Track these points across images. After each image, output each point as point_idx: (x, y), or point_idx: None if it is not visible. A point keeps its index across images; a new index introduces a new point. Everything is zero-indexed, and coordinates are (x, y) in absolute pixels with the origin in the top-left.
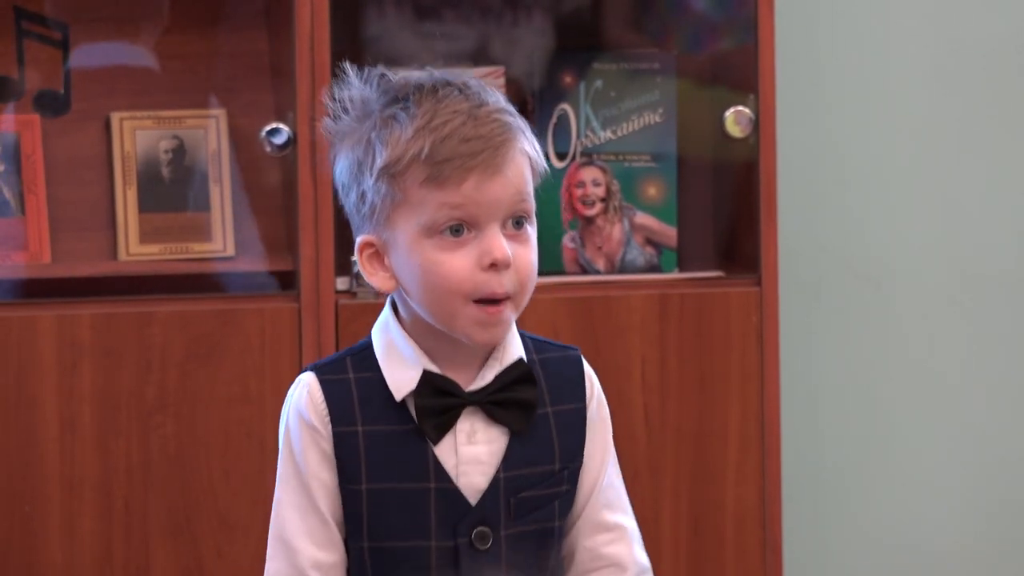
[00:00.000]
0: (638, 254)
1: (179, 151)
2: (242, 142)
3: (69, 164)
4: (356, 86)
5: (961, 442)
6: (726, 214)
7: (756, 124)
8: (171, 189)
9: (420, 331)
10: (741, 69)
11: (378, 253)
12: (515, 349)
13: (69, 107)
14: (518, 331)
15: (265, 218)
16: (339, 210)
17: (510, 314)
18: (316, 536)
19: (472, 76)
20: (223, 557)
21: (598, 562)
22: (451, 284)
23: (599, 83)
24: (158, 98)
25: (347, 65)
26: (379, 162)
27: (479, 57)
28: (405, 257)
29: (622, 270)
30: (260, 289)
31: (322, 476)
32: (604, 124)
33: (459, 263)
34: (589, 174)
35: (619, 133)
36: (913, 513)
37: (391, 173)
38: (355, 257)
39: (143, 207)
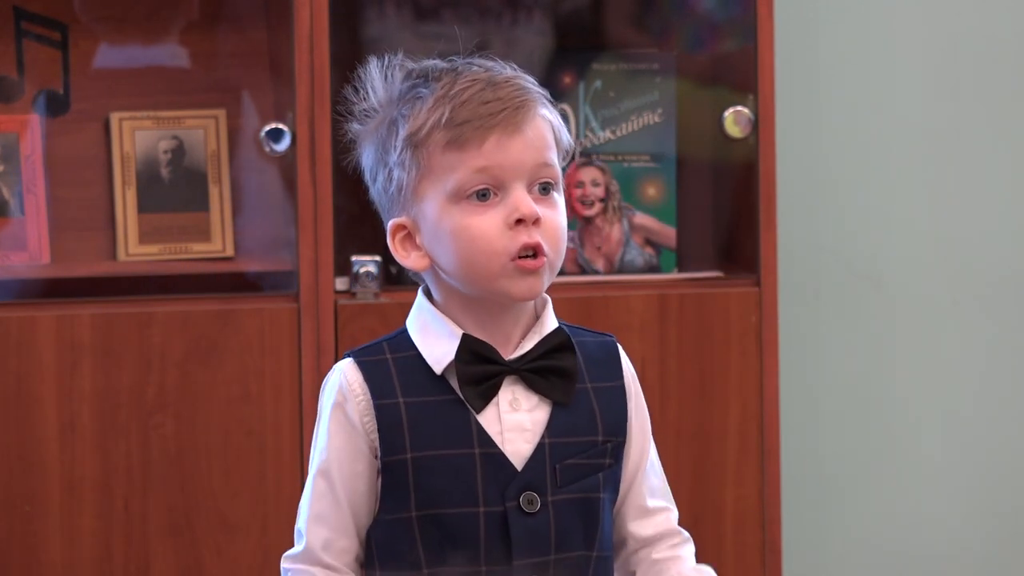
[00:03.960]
0: (637, 254)
1: (179, 151)
2: (242, 142)
3: (69, 164)
4: (378, 80)
5: (961, 442)
6: (725, 214)
7: (756, 124)
8: (171, 189)
9: (456, 308)
10: (741, 69)
11: (409, 235)
12: (552, 322)
13: (69, 107)
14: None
15: (265, 218)
16: (339, 210)
17: (545, 269)
18: (332, 520)
19: (499, 63)
20: (223, 557)
21: (645, 544)
22: (482, 244)
23: (599, 83)
24: (158, 98)
25: (371, 65)
26: (402, 133)
27: (479, 57)
28: (435, 227)
29: (621, 270)
30: (260, 289)
31: (343, 463)
32: (603, 124)
33: (488, 223)
34: (588, 174)
35: (618, 133)
36: (912, 513)
37: (414, 143)
38: (388, 241)
39: (143, 207)
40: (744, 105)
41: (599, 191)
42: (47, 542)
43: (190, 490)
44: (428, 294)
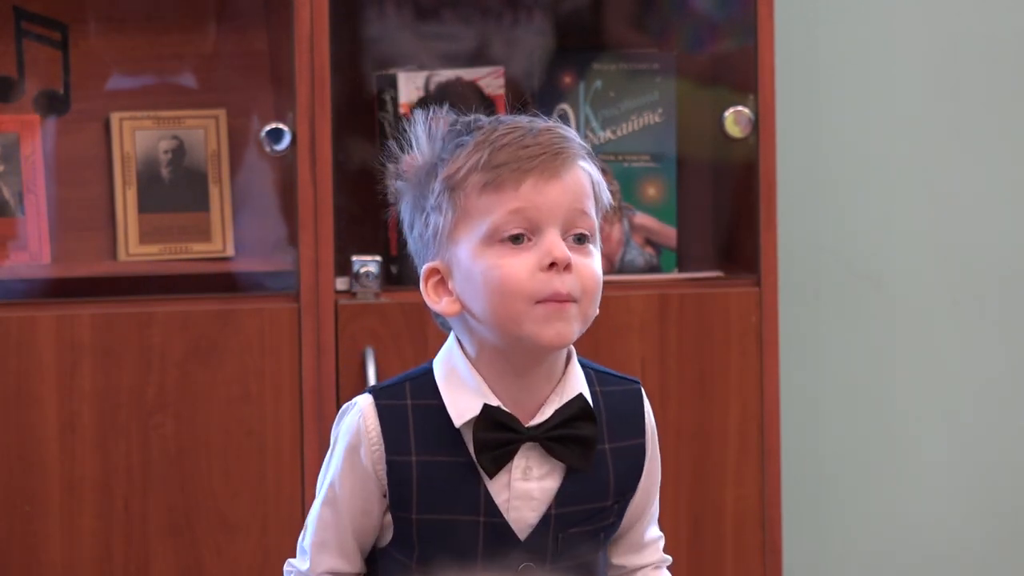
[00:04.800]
0: (638, 254)
1: (179, 151)
2: (242, 142)
3: (69, 164)
4: (422, 135)
5: (961, 442)
6: (726, 214)
7: (756, 124)
8: (171, 189)
9: (485, 362)
10: (741, 69)
11: (442, 279)
12: (576, 383)
13: (69, 107)
14: (579, 360)
15: (265, 218)
16: (339, 210)
17: (575, 314)
18: (337, 547)
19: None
20: (223, 557)
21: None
22: (512, 285)
23: (599, 83)
24: (158, 98)
25: (416, 119)
26: (441, 175)
27: (479, 57)
28: (467, 270)
29: (622, 270)
30: (260, 289)
31: (353, 503)
32: (604, 124)
33: (519, 265)
34: None
35: (619, 133)
36: (913, 513)
37: (451, 186)
38: (421, 287)
39: (143, 207)
40: (744, 105)
41: None
42: (47, 542)
43: (190, 490)
44: (459, 342)
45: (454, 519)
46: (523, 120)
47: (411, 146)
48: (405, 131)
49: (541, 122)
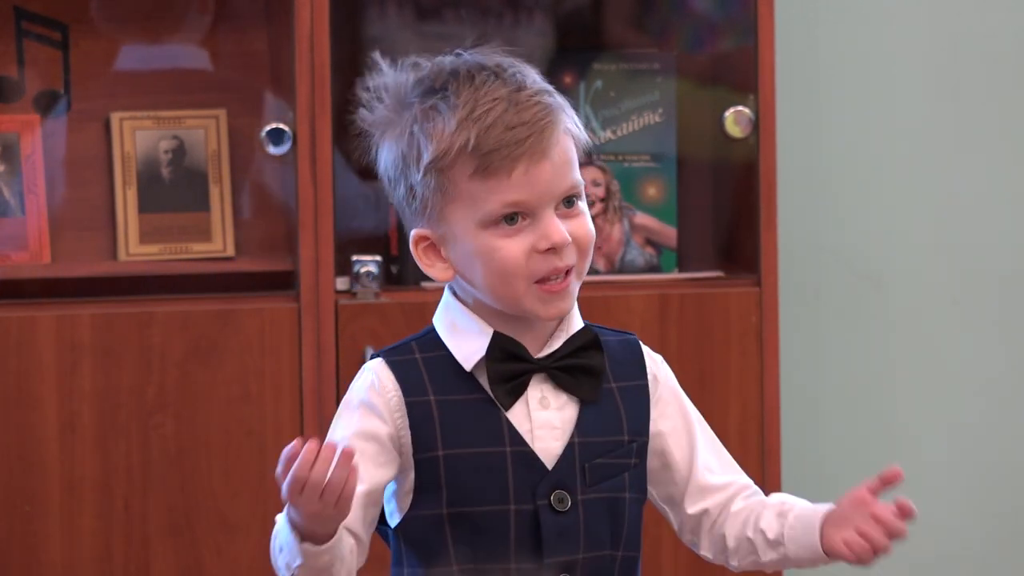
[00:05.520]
0: (638, 254)
1: (179, 151)
2: (242, 142)
3: (69, 164)
4: (389, 74)
5: (961, 442)
6: (726, 214)
7: (756, 124)
8: (171, 189)
9: (484, 309)
10: (741, 69)
11: (433, 245)
12: (578, 320)
13: (69, 107)
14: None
15: (265, 218)
16: (339, 210)
17: (574, 283)
18: None
19: (508, 60)
20: (223, 557)
21: (723, 508)
22: (511, 268)
23: (599, 83)
24: (158, 98)
25: (378, 55)
26: (425, 157)
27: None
28: (463, 249)
29: (622, 270)
30: (260, 289)
31: (367, 449)
32: (604, 124)
33: (517, 248)
34: (589, 174)
35: (619, 133)
36: None
37: (439, 167)
38: (411, 248)
39: (143, 207)
40: (744, 105)
41: (600, 191)
42: (47, 542)
43: (190, 490)
44: (455, 293)
45: (481, 451)
46: (497, 83)
47: (378, 97)
48: (369, 70)
49: (517, 86)
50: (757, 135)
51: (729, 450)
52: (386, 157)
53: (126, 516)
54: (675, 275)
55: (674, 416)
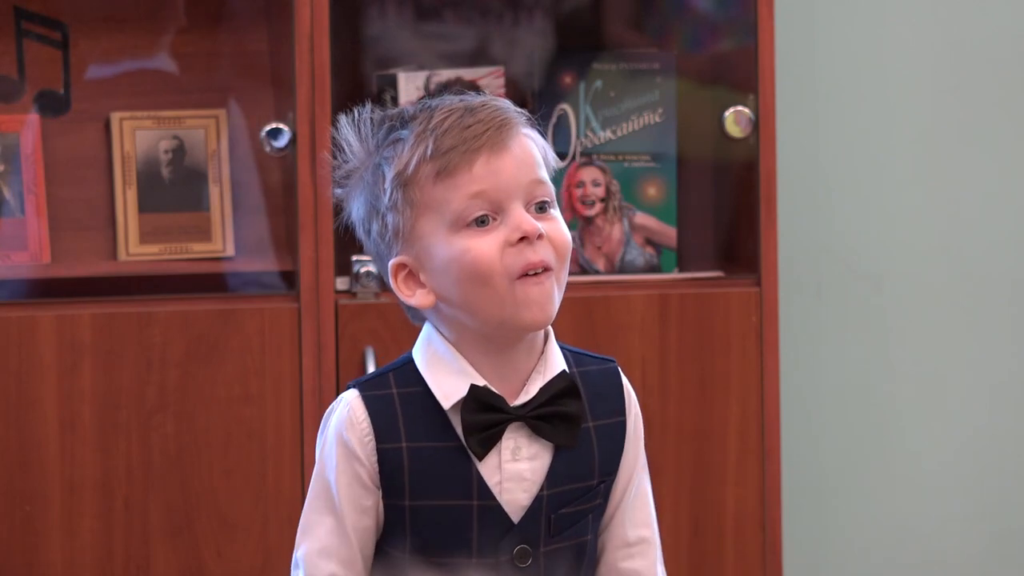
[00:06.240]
0: (638, 254)
1: (179, 151)
2: (242, 142)
3: (69, 164)
4: (352, 137)
5: (961, 442)
6: (726, 214)
7: (756, 124)
8: (171, 189)
9: (465, 344)
10: (741, 69)
11: (411, 273)
12: (557, 361)
13: (69, 107)
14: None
15: (265, 218)
16: (339, 210)
17: (553, 286)
18: (340, 555)
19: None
20: (223, 557)
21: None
22: (485, 266)
23: (599, 83)
24: (158, 98)
25: (342, 123)
26: (389, 176)
27: (479, 57)
28: (438, 260)
29: (622, 270)
30: (260, 289)
31: (352, 498)
32: (604, 124)
33: (489, 244)
34: (589, 174)
35: (619, 133)
36: (913, 514)
37: (403, 182)
38: (391, 283)
39: (143, 207)
40: (744, 105)
41: (599, 191)
42: (47, 542)
43: (190, 490)
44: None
45: (447, 504)
46: (454, 100)
47: (344, 151)
48: (335, 139)
49: (473, 97)
50: (757, 135)
51: (729, 450)
52: (357, 203)
53: (126, 516)
54: (675, 275)
55: (629, 461)
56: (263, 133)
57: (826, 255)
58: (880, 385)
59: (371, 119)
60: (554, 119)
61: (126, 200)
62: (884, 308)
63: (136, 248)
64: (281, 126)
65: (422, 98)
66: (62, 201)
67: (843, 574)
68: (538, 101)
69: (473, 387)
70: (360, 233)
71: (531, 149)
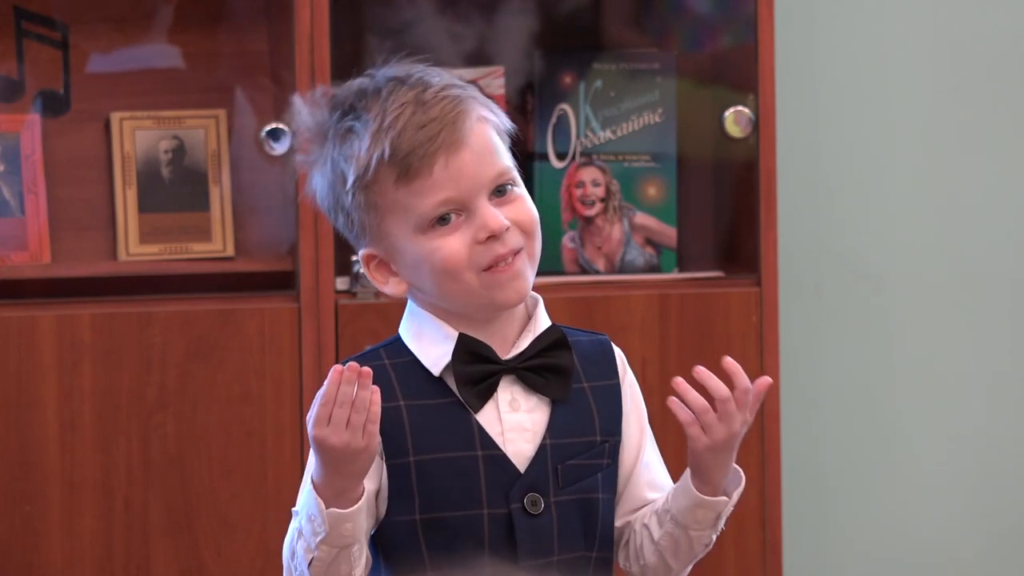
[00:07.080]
0: (638, 254)
1: (179, 151)
2: (242, 142)
3: (69, 164)
4: (306, 112)
5: (961, 442)
6: (726, 214)
7: (756, 124)
8: (171, 189)
9: (448, 313)
10: (741, 69)
11: (383, 261)
12: (545, 320)
13: (69, 107)
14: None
15: (265, 218)
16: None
17: (524, 263)
18: None
19: (416, 67)
20: (223, 557)
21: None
22: (454, 264)
23: (599, 83)
24: (158, 98)
25: (295, 97)
26: (350, 179)
27: (479, 57)
28: (407, 256)
29: (622, 270)
30: (260, 289)
31: None
32: (604, 124)
33: (456, 244)
34: (589, 174)
35: (619, 133)
36: (913, 514)
37: (363, 185)
38: (362, 270)
39: (143, 207)
40: (744, 105)
41: (599, 191)
42: (47, 542)
43: (190, 490)
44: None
45: (451, 455)
46: (405, 89)
47: (304, 138)
48: (289, 117)
49: (423, 87)
50: (757, 135)
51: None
52: (319, 189)
53: (126, 516)
54: (675, 275)
55: (634, 431)
56: (263, 133)
57: (826, 255)
58: (880, 385)
59: (324, 100)
60: (554, 119)
61: (126, 200)
62: (884, 308)
63: (136, 248)
64: (281, 126)
65: (369, 72)
66: (62, 201)
67: (843, 574)
68: (538, 101)
69: (462, 337)
70: (326, 214)
71: (488, 136)
